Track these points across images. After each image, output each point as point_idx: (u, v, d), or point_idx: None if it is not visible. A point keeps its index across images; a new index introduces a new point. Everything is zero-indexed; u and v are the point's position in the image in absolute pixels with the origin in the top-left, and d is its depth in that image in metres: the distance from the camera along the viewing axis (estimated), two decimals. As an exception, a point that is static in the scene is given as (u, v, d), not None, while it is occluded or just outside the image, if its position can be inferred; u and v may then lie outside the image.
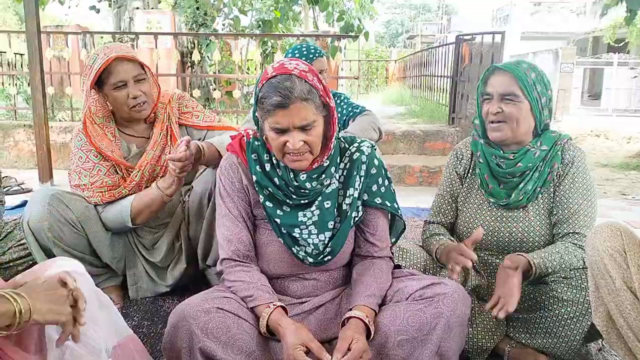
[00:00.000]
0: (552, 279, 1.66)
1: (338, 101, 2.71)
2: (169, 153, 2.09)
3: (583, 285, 1.57)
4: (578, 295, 1.58)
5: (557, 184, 1.73)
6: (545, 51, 15.43)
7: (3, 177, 4.15)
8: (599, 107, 15.77)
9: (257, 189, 1.51)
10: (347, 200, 1.52)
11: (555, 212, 1.73)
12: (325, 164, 1.48)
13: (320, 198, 1.50)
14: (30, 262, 2.17)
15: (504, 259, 1.62)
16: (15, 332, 1.00)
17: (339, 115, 2.66)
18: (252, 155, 1.52)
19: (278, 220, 1.50)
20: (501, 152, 1.75)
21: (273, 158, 1.50)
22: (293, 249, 1.52)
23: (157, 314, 2.08)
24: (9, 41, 5.44)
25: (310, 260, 1.51)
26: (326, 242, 1.51)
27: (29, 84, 4.14)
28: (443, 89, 7.18)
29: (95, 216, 2.01)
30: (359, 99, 13.23)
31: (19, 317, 0.99)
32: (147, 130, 2.13)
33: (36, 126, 3.82)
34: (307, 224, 1.50)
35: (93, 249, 2.03)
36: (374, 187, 1.56)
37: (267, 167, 1.50)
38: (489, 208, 1.80)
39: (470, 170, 1.88)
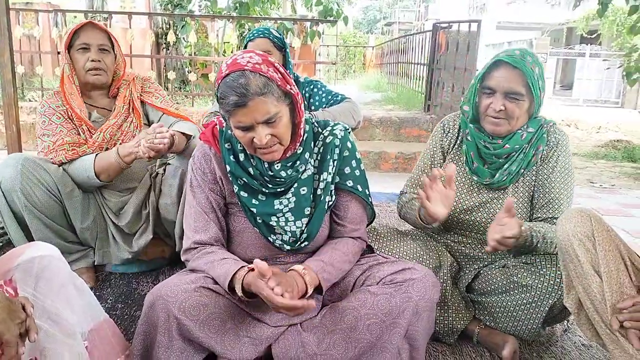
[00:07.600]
0: (513, 263, 1.70)
1: (315, 89, 2.66)
2: (134, 126, 2.17)
3: (542, 271, 1.61)
4: (537, 281, 1.61)
5: (540, 166, 1.75)
6: (520, 41, 15.60)
7: (-30, 158, 4.04)
8: (571, 97, 16.06)
9: (231, 179, 1.48)
10: (321, 185, 1.51)
11: (536, 196, 1.75)
12: (298, 151, 1.47)
13: (296, 185, 1.49)
14: (4, 242, 2.13)
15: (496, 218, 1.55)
16: None
17: (317, 103, 2.64)
18: (226, 145, 1.49)
19: (254, 210, 1.48)
20: (490, 138, 1.75)
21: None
22: (269, 237, 1.51)
23: (131, 297, 2.06)
24: (-25, 17, 5.23)
25: (287, 247, 1.51)
26: (303, 228, 1.51)
27: (-4, 63, 3.98)
28: (419, 77, 7.20)
29: (68, 176, 2.04)
30: (336, 84, 13.23)
31: None
32: (110, 104, 2.21)
33: (5, 106, 3.68)
34: (284, 211, 1.49)
35: (66, 217, 2.03)
36: (347, 170, 1.55)
37: (241, 157, 1.47)
38: (470, 186, 1.81)
39: (456, 146, 1.88)
